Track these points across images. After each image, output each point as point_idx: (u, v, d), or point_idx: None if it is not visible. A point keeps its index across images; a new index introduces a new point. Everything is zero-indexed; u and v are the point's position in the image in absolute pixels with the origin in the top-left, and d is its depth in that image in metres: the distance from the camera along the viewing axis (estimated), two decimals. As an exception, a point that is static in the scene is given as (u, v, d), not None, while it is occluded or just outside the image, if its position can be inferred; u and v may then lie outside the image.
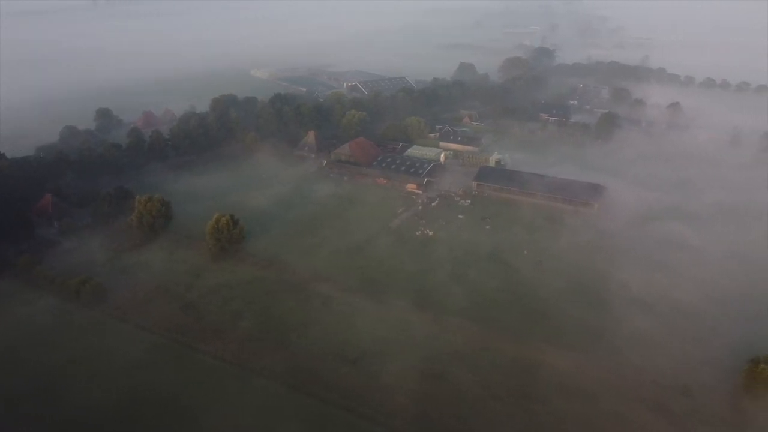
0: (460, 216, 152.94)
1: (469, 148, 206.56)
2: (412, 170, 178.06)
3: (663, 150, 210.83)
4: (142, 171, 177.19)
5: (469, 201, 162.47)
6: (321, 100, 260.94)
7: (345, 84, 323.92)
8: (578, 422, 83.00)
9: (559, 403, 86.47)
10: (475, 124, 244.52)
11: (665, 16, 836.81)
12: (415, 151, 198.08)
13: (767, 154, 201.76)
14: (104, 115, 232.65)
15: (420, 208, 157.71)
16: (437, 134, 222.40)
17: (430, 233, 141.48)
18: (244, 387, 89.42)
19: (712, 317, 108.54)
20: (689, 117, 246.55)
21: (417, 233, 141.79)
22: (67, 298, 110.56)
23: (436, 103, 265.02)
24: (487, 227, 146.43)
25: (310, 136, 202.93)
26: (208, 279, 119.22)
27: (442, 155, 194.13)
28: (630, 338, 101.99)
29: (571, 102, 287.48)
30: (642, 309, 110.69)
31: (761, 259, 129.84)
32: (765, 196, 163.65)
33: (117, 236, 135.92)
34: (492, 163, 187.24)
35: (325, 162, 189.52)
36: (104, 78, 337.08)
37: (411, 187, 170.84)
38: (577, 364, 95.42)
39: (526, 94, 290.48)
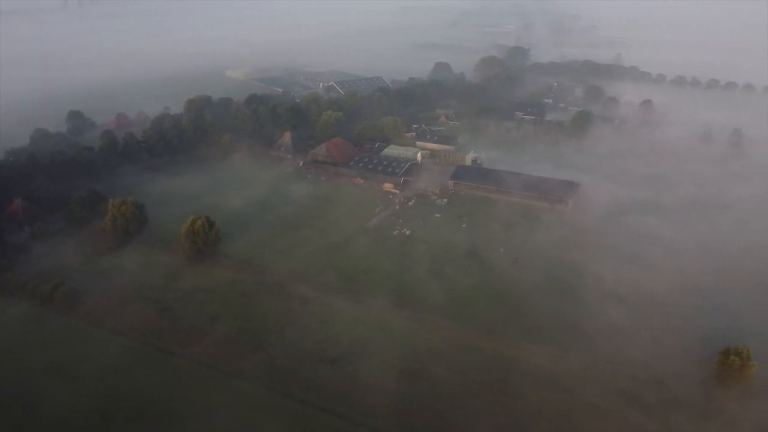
0: (437, 215, 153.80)
1: (446, 147, 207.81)
2: (389, 170, 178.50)
3: (635, 146, 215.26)
4: (116, 174, 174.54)
5: (446, 200, 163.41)
6: (297, 100, 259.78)
7: (321, 84, 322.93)
8: (555, 416, 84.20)
9: (536, 398, 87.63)
10: (451, 123, 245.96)
11: (637, 14, 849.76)
12: (391, 150, 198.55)
13: (736, 149, 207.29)
14: (76, 117, 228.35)
15: (397, 207, 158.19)
16: (414, 134, 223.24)
17: (408, 232, 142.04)
18: (222, 390, 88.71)
19: (684, 308, 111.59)
20: (661, 114, 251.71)
21: (394, 232, 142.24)
22: (39, 304, 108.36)
23: (413, 103, 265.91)
24: (464, 225, 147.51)
25: (287, 137, 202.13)
26: (184, 282, 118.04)
27: (419, 155, 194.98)
28: (605, 330, 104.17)
29: (546, 100, 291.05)
30: (616, 301, 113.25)
31: (729, 249, 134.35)
32: (733, 190, 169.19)
33: (90, 240, 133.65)
34: (468, 161, 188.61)
35: (301, 162, 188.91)
36: (76, 80, 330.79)
37: (388, 186, 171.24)
38: (554, 357, 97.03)
39: (502, 93, 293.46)
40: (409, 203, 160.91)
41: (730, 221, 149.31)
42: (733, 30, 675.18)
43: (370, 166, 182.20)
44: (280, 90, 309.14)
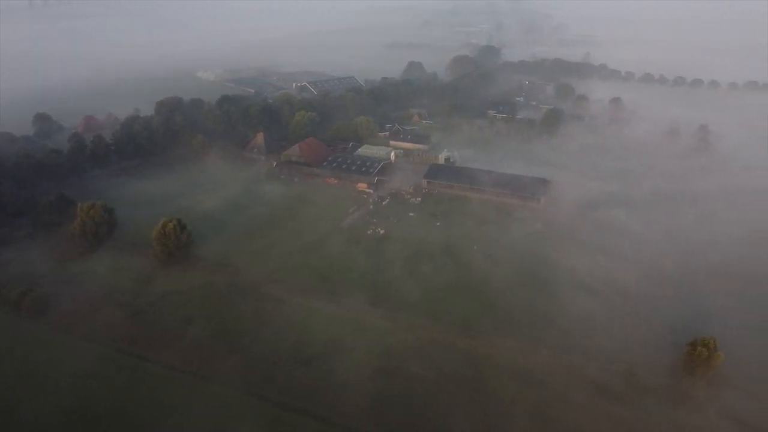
0: (411, 214, 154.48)
1: (419, 146, 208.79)
2: (363, 169, 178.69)
3: (605, 142, 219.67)
4: (85, 177, 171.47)
5: (420, 198, 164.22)
6: (270, 101, 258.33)
7: (294, 84, 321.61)
8: (528, 408, 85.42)
9: (509, 391, 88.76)
10: (424, 122, 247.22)
11: (605, 13, 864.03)
12: (365, 150, 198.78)
13: (702, 144, 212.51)
14: (43, 120, 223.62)
15: (371, 207, 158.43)
16: (387, 133, 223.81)
17: (382, 231, 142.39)
18: (197, 394, 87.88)
19: (653, 297, 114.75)
20: (630, 111, 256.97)
21: (368, 232, 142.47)
22: (7, 311, 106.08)
23: (386, 102, 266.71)
24: (438, 224, 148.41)
25: (259, 138, 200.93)
26: (156, 286, 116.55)
27: (392, 154, 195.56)
28: (577, 321, 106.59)
29: (518, 99, 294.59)
30: (587, 292, 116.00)
31: (695, 240, 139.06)
32: (699, 183, 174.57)
33: (59, 245, 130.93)
34: (441, 160, 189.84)
35: (275, 163, 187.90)
36: (42, 82, 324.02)
37: (362, 186, 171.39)
38: (527, 350, 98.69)
39: (474, 91, 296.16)
40: (383, 203, 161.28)
41: (696, 213, 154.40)
42: (699, 29, 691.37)
43: (343, 166, 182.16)
44: (253, 91, 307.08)
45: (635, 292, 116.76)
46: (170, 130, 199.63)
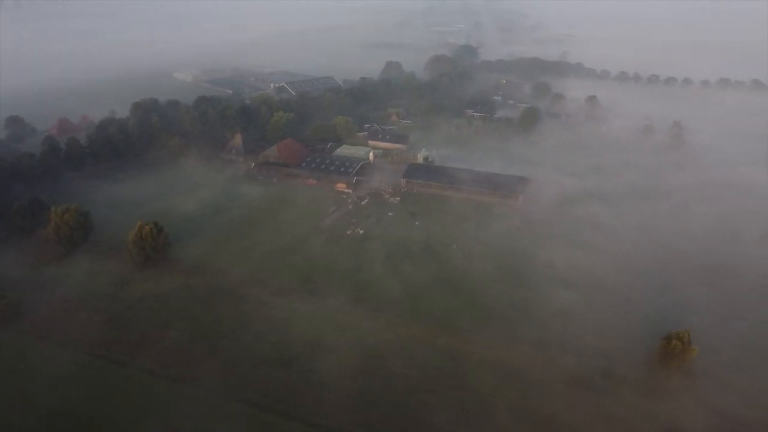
0: (390, 213, 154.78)
1: (398, 145, 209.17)
2: (342, 170, 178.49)
3: (581, 140, 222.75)
4: (59, 181, 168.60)
5: (399, 198, 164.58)
6: (247, 101, 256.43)
7: (272, 85, 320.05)
8: (508, 402, 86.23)
9: (489, 386, 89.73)
10: (402, 122, 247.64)
11: (581, 12, 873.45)
12: (344, 150, 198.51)
13: (676, 140, 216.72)
14: (15, 123, 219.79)
15: (350, 207, 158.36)
16: (366, 133, 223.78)
17: (361, 231, 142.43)
18: (176, 398, 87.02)
19: (629, 290, 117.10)
20: (605, 108, 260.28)
21: (348, 232, 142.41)
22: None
23: (364, 102, 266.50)
24: (417, 223, 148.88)
25: (237, 139, 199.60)
26: (133, 290, 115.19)
27: (371, 154, 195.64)
28: (554, 314, 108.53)
29: (495, 97, 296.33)
30: (565, 286, 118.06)
31: (668, 232, 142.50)
32: (672, 178, 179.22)
33: (33, 250, 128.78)
34: (420, 159, 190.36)
35: (253, 164, 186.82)
36: (15, 84, 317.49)
37: (341, 186, 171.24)
38: (506, 344, 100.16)
39: (452, 91, 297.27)
40: (363, 202, 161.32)
41: (669, 207, 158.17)
42: (672, 27, 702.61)
43: (322, 167, 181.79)
44: (230, 91, 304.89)
45: (611, 284, 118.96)
46: (146, 132, 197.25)
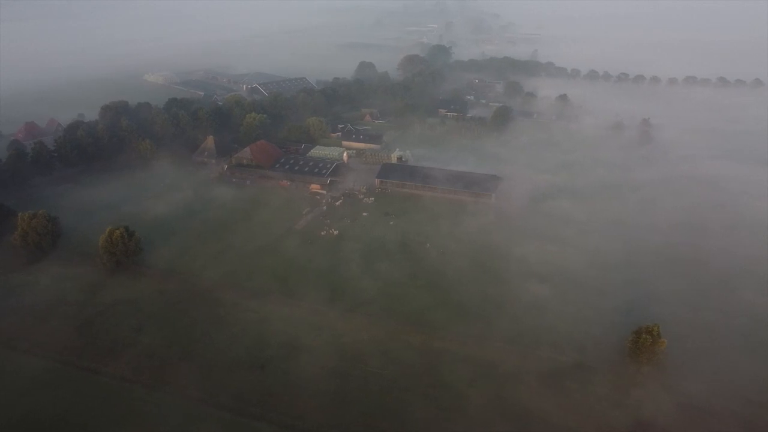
0: (365, 213, 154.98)
1: (371, 145, 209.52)
2: (316, 171, 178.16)
3: (553, 137, 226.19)
4: (26, 186, 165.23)
5: (373, 198, 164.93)
6: (220, 103, 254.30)
7: (244, 86, 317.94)
8: (482, 398, 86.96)
9: (464, 382, 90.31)
10: (376, 122, 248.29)
11: (552, 12, 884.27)
12: (317, 151, 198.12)
13: (644, 135, 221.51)
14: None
15: (324, 208, 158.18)
16: (339, 134, 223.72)
17: (335, 232, 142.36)
18: (149, 404, 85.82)
19: (600, 283, 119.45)
20: (576, 106, 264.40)
21: (322, 233, 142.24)
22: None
23: (338, 103, 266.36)
24: (392, 222, 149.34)
25: (209, 141, 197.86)
26: (104, 296, 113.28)
27: (345, 154, 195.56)
28: (528, 308, 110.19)
29: (468, 97, 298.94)
30: (538, 280, 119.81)
31: (637, 226, 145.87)
32: (640, 173, 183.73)
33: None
34: (394, 159, 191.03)
35: (226, 167, 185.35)
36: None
37: (315, 187, 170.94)
38: (481, 339, 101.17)
39: (425, 90, 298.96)
40: (337, 203, 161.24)
41: (638, 201, 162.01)
42: (641, 26, 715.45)
43: (296, 168, 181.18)
44: (202, 93, 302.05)
45: (583, 278, 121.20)
46: (116, 135, 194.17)
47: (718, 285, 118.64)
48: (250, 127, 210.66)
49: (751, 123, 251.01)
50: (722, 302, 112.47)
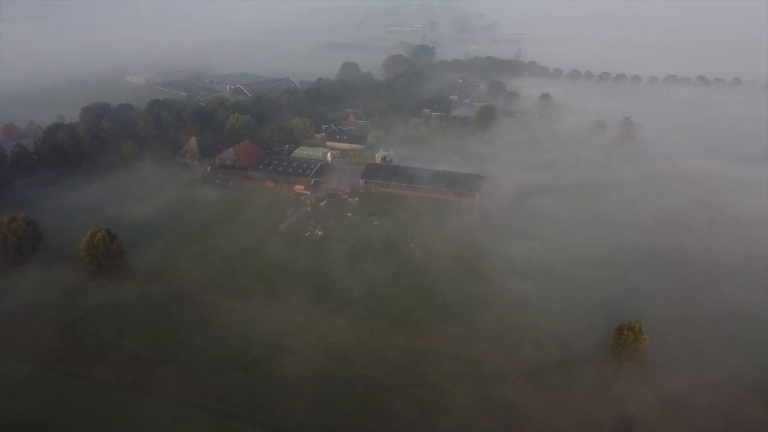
0: (349, 214, 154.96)
1: (356, 146, 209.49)
2: (300, 171, 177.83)
3: (536, 136, 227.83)
4: (5, 189, 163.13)
5: (357, 198, 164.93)
6: (202, 104, 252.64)
7: (228, 87, 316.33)
8: (466, 396, 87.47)
9: (449, 381, 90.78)
10: (360, 122, 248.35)
11: (535, 12, 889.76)
12: (301, 152, 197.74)
13: (625, 134, 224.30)
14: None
15: (309, 208, 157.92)
16: (323, 134, 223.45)
17: (320, 233, 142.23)
18: (132, 408, 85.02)
19: (582, 280, 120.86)
20: (558, 105, 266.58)
21: (306, 233, 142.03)
22: None
23: (322, 103, 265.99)
24: (376, 223, 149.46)
25: (192, 143, 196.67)
26: (86, 299, 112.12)
27: (329, 155, 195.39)
28: (511, 306, 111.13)
29: (452, 96, 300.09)
30: (521, 277, 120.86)
31: (619, 223, 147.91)
32: (622, 171, 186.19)
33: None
34: (378, 159, 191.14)
35: (209, 168, 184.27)
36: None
37: (299, 188, 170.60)
38: (464, 337, 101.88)
39: (409, 90, 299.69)
40: (321, 204, 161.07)
41: (619, 199, 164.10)
42: (622, 25, 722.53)
43: (279, 169, 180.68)
44: (185, 94, 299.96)
45: (566, 275, 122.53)
46: (97, 137, 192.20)
47: (699, 281, 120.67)
48: (234, 128, 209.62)
49: (731, 121, 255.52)
50: (703, 298, 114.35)
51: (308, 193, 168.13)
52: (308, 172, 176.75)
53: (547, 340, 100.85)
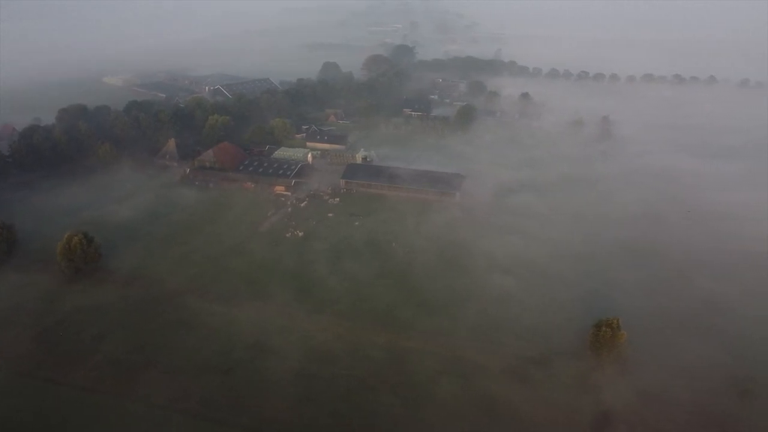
0: (330, 214, 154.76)
1: (336, 146, 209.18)
2: (280, 172, 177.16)
3: (516, 135, 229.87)
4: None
5: (338, 199, 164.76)
6: (181, 105, 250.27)
7: (207, 88, 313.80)
8: (448, 393, 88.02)
9: (431, 377, 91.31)
10: (341, 122, 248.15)
11: (514, 11, 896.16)
12: (282, 152, 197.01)
13: (603, 132, 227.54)
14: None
15: (289, 209, 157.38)
16: (304, 135, 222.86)
17: (300, 234, 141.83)
18: (111, 414, 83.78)
19: (563, 274, 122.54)
20: (538, 104, 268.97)
21: (287, 234, 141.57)
22: None
23: (302, 104, 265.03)
24: (357, 223, 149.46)
25: (171, 144, 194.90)
26: (63, 304, 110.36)
27: (309, 155, 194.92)
28: (493, 301, 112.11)
29: (432, 96, 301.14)
30: (502, 273, 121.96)
31: (598, 219, 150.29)
32: (600, 167, 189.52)
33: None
34: (359, 159, 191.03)
35: (188, 169, 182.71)
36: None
37: (279, 189, 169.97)
38: (446, 333, 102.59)
39: (390, 90, 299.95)
40: (302, 205, 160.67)
41: (598, 194, 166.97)
42: (599, 25, 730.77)
43: (260, 170, 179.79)
44: (164, 95, 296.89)
45: (547, 270, 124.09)
46: (74, 139, 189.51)
47: (675, 274, 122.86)
48: (213, 129, 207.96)
49: (705, 118, 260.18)
50: (679, 290, 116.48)
51: (289, 194, 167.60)
52: (289, 172, 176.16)
53: (529, 334, 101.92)
